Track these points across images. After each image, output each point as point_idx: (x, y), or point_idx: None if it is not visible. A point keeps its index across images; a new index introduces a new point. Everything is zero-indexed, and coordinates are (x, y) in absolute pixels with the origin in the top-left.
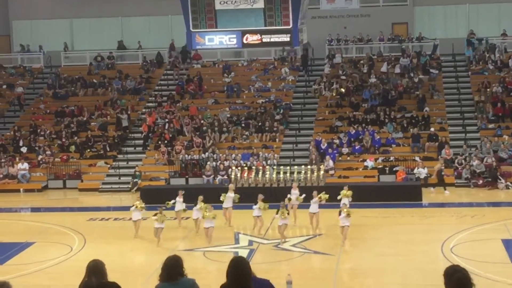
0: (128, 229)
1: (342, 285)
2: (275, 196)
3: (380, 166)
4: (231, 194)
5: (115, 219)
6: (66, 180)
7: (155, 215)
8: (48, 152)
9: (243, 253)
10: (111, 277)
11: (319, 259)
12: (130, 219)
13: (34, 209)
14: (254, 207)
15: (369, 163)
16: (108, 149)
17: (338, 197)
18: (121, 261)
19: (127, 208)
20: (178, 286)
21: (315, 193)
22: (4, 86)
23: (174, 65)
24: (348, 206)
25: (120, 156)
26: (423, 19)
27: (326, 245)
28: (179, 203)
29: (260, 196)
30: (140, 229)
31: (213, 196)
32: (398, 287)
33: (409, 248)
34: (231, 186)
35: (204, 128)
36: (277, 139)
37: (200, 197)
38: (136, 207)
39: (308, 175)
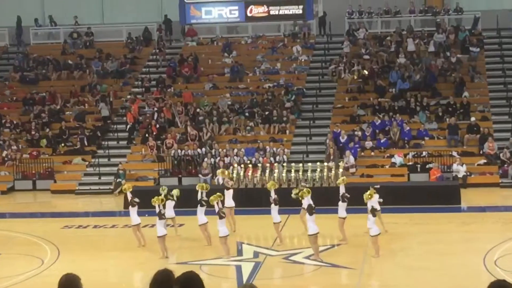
0: (110, 238)
1: None
2: (283, 199)
3: (410, 163)
4: (229, 192)
5: (95, 226)
6: (36, 181)
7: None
8: (14, 147)
9: (247, 266)
10: None
11: (337, 274)
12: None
13: None
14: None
15: (397, 159)
16: (86, 143)
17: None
18: (102, 276)
19: (108, 214)
20: None
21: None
22: None
23: (161, 44)
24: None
25: (100, 152)
26: None
27: (346, 257)
28: (170, 208)
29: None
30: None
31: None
32: None
33: (445, 260)
34: (219, 171)
35: (201, 118)
36: (287, 131)
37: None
38: (132, 204)
39: (325, 173)
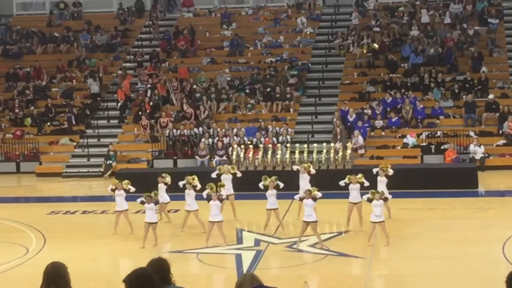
0: (100, 225)
1: None
2: (288, 182)
3: (424, 144)
4: (228, 176)
5: (84, 212)
6: (20, 163)
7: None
8: None
9: (248, 255)
10: (77, 286)
11: (345, 263)
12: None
13: None
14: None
15: (410, 139)
16: (73, 122)
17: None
18: (91, 266)
19: (98, 199)
20: None
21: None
22: None
23: (155, 15)
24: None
25: (89, 132)
26: None
27: (354, 246)
28: (162, 192)
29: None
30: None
31: (208, 183)
32: None
33: (461, 249)
34: (225, 168)
35: (198, 95)
36: (291, 109)
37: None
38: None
39: (331, 155)
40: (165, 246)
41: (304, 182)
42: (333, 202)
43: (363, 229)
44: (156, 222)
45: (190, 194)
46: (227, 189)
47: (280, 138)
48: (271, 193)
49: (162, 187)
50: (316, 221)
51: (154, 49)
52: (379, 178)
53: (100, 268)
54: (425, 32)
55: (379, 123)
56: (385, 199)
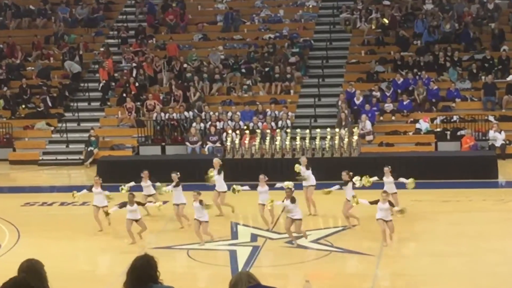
0: (80, 218)
1: None
2: (288, 171)
3: (438, 129)
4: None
5: (62, 204)
6: None
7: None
8: None
9: (244, 251)
10: (55, 285)
11: (351, 261)
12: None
13: None
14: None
15: (423, 124)
16: (51, 104)
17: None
18: (71, 263)
19: (77, 189)
20: None
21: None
22: None
23: None
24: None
25: (68, 115)
26: None
27: (361, 242)
28: (146, 187)
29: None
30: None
31: (200, 171)
32: None
33: (478, 245)
34: (216, 161)
35: (188, 75)
36: (291, 91)
37: (175, 175)
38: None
39: (336, 141)
40: (152, 242)
41: None
42: (337, 194)
43: (369, 224)
44: (140, 219)
45: (177, 189)
46: (219, 185)
47: (280, 122)
48: (263, 190)
49: (145, 184)
50: (300, 219)
51: (140, 24)
52: (385, 178)
53: (80, 265)
54: (440, 6)
55: (389, 106)
56: (390, 204)
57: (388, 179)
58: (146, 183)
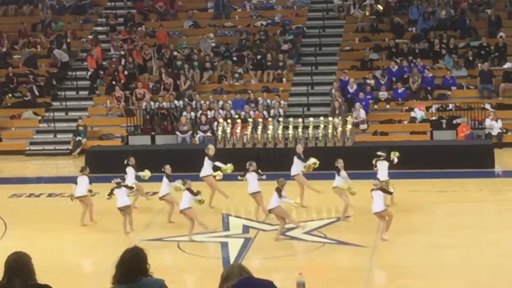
0: (68, 209)
1: None
2: (280, 160)
3: (434, 118)
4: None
5: (50, 195)
6: None
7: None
8: None
9: (235, 243)
10: (43, 278)
11: (345, 253)
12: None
13: None
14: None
15: (418, 113)
16: (37, 94)
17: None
18: (58, 256)
19: (65, 180)
20: None
21: (340, 162)
22: None
23: None
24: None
25: (56, 104)
26: None
27: (355, 233)
28: (131, 174)
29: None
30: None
31: (191, 161)
32: None
33: (475, 236)
34: (211, 148)
35: (179, 63)
36: (284, 79)
37: (167, 167)
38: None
39: (329, 130)
40: (142, 234)
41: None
42: (331, 184)
43: (363, 215)
44: (130, 205)
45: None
46: (206, 169)
47: (272, 111)
48: (251, 176)
49: (130, 171)
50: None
51: (129, 11)
52: (379, 163)
53: (68, 258)
54: None
55: (383, 94)
56: (386, 191)
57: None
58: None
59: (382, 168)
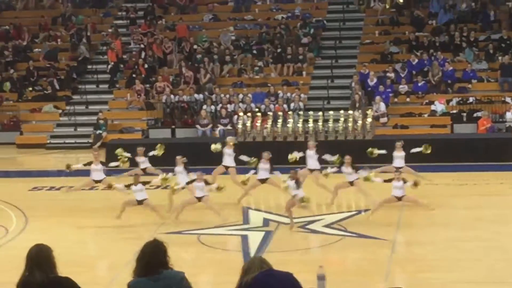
0: (88, 203)
1: (399, 282)
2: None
3: (454, 111)
4: (229, 151)
5: (70, 188)
6: None
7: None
8: None
9: (256, 236)
10: (63, 271)
11: (365, 246)
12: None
13: None
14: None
15: (439, 106)
16: (58, 87)
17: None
18: (79, 249)
19: (86, 173)
20: (160, 282)
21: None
22: None
23: None
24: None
25: (76, 98)
26: None
27: (375, 226)
28: (142, 163)
29: (266, 155)
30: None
31: (211, 155)
32: (479, 286)
33: (496, 229)
34: (231, 140)
35: (199, 56)
36: (304, 73)
37: (181, 159)
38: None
39: (350, 124)
40: (162, 227)
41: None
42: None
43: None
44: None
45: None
46: (227, 160)
47: (292, 104)
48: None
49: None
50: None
51: (149, 4)
52: (395, 153)
53: (89, 251)
54: None
55: (403, 88)
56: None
57: (399, 154)
58: (141, 159)
59: (399, 157)
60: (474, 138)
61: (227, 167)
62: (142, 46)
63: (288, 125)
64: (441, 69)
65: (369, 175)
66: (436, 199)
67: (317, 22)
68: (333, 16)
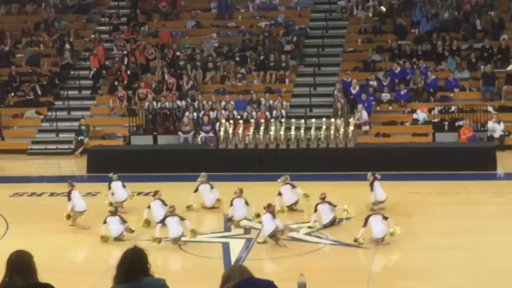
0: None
1: None
2: (282, 161)
3: (436, 120)
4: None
5: (51, 194)
6: None
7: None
8: None
9: (237, 244)
10: (44, 277)
11: (346, 254)
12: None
13: None
14: None
15: (421, 115)
16: (40, 93)
17: None
18: (60, 255)
19: (67, 179)
20: None
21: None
22: None
23: None
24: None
25: (58, 104)
26: None
27: (356, 234)
28: (119, 190)
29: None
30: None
31: (193, 162)
32: None
33: (477, 239)
34: (203, 176)
35: (181, 63)
36: (286, 80)
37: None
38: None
39: (332, 132)
40: (143, 234)
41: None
42: (333, 185)
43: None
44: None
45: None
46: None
47: (274, 112)
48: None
49: (117, 185)
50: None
51: (132, 10)
52: (376, 183)
53: (70, 257)
54: None
55: (385, 96)
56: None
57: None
58: (117, 184)
59: (379, 188)
60: (455, 147)
61: None
62: (124, 52)
63: (270, 132)
64: (423, 78)
65: None
66: (417, 208)
67: (300, 30)
68: (316, 24)
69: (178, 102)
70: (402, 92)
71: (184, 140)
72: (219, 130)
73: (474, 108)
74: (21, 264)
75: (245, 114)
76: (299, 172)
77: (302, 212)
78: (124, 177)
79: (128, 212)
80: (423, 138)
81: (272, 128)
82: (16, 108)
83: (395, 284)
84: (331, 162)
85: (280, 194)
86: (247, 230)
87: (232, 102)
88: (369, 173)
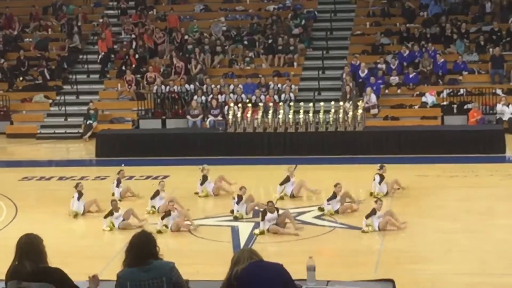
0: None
1: (388, 274)
2: (291, 145)
3: (445, 103)
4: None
5: (60, 178)
6: None
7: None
8: None
9: (245, 227)
10: (54, 261)
11: (354, 237)
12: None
13: None
14: None
15: (429, 98)
16: (49, 77)
17: None
18: (69, 238)
19: (76, 163)
20: (150, 272)
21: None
22: None
23: None
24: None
25: (66, 88)
26: None
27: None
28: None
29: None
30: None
31: (202, 146)
32: (469, 278)
33: (486, 221)
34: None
35: (189, 47)
36: (295, 64)
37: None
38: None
39: (340, 115)
40: (151, 218)
41: None
42: (341, 168)
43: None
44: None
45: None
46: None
47: (283, 95)
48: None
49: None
50: None
51: None
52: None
53: (79, 241)
54: None
55: (394, 79)
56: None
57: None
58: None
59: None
60: (464, 130)
61: None
62: (133, 36)
63: (278, 116)
64: (432, 61)
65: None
66: (426, 191)
67: (308, 13)
68: (324, 7)
69: (187, 86)
70: (410, 75)
71: (192, 124)
72: (228, 113)
73: (482, 91)
74: (31, 247)
75: (253, 98)
76: (308, 156)
77: (316, 190)
78: (133, 161)
79: (136, 196)
80: (431, 121)
81: (281, 111)
82: (25, 92)
83: (404, 267)
84: (340, 145)
85: (288, 180)
86: (256, 212)
87: (240, 86)
88: (378, 165)
